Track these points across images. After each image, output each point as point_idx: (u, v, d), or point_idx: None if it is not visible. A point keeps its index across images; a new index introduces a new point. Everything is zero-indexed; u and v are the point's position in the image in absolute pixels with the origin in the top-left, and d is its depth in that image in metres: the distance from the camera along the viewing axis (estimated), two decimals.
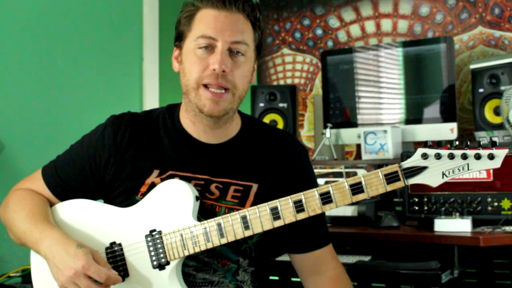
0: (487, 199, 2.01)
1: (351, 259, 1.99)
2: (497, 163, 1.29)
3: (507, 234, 1.86)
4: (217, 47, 1.42)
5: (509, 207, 1.98)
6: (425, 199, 2.10)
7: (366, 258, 2.00)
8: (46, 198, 1.56)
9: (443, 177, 1.32)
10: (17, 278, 2.14)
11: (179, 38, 1.51)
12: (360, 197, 1.33)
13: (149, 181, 1.49)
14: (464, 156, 1.30)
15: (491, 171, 2.00)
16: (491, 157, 1.29)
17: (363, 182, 1.33)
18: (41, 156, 2.49)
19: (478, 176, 2.03)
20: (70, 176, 1.56)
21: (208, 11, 1.45)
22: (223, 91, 1.43)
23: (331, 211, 2.24)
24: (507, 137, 2.23)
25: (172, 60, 1.55)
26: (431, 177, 1.32)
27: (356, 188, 1.33)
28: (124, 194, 1.51)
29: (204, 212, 1.46)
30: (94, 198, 1.56)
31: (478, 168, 1.30)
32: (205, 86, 1.43)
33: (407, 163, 1.33)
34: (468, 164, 1.30)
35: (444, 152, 1.31)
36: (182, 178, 1.48)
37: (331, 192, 1.33)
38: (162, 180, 1.47)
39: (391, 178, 1.32)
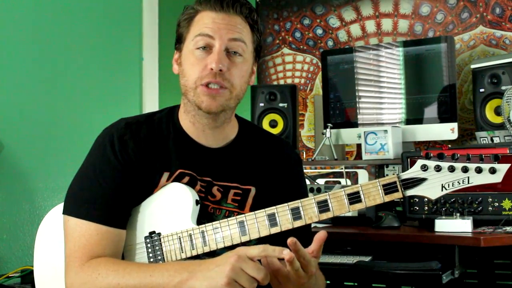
0: (488, 199, 2.00)
1: (352, 259, 1.99)
2: (498, 178, 1.26)
3: (508, 235, 1.86)
4: (214, 46, 1.43)
5: (510, 207, 1.98)
6: (426, 199, 2.09)
7: (367, 259, 1.99)
8: (107, 251, 1.39)
9: (442, 190, 1.29)
10: (16, 279, 2.14)
11: (179, 41, 1.52)
12: (357, 206, 1.31)
13: (161, 184, 1.47)
14: (465, 169, 1.27)
15: None
16: (492, 171, 1.26)
17: (361, 192, 1.31)
18: (41, 156, 2.51)
19: None
20: (112, 194, 1.44)
21: (207, 13, 1.46)
22: (220, 88, 1.44)
23: None
24: (508, 137, 2.22)
25: (172, 63, 1.56)
26: (430, 189, 1.30)
27: (354, 198, 1.31)
28: (138, 201, 1.47)
29: (206, 215, 1.46)
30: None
31: (479, 182, 1.27)
32: (202, 85, 1.44)
33: (405, 174, 1.31)
34: (468, 177, 1.27)
35: (444, 165, 1.28)
36: (191, 176, 1.47)
37: (329, 200, 1.32)
38: (173, 181, 1.46)
39: (389, 188, 1.30)
